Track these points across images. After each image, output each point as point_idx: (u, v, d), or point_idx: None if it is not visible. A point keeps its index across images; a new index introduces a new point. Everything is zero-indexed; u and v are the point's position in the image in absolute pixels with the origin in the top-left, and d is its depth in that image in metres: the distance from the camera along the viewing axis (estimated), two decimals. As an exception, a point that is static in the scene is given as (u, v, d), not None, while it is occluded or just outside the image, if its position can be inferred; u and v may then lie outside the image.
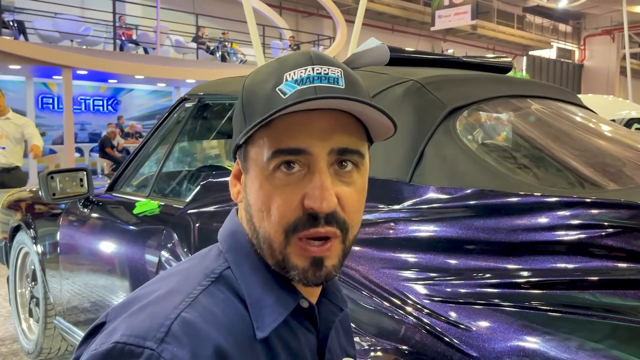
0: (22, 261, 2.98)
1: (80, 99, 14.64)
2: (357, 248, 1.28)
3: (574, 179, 1.32)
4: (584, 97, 9.65)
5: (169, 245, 1.77)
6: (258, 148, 0.63)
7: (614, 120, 6.32)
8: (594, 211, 1.10)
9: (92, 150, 13.74)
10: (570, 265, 1.07)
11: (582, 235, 1.09)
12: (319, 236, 0.61)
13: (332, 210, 0.61)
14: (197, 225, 1.71)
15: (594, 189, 1.28)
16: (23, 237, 2.82)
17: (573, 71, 30.79)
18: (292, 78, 0.61)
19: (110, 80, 14.37)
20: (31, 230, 2.70)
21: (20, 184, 4.86)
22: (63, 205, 2.48)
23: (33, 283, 2.85)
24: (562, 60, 30.31)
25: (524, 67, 25.24)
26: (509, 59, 1.99)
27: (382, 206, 1.32)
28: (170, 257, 1.74)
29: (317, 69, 0.62)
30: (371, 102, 0.61)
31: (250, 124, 0.62)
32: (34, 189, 3.30)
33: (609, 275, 1.03)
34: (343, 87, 0.62)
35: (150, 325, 0.55)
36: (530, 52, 27.49)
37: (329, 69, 0.62)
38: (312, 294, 0.69)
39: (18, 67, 11.26)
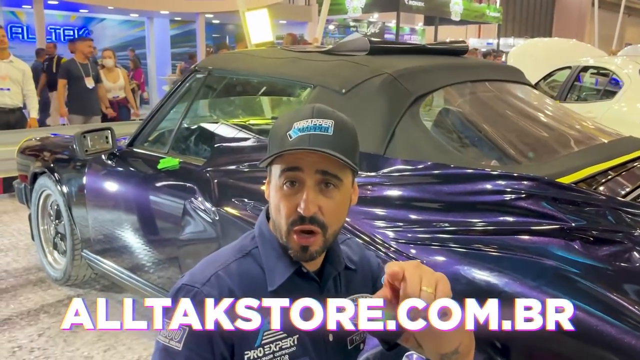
0: (44, 202, 3.39)
1: (50, 28, 14.32)
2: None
3: (502, 155, 1.79)
4: (548, 42, 9.97)
5: (192, 196, 2.21)
6: (275, 169, 0.96)
7: (570, 67, 6.79)
8: (511, 182, 1.59)
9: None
10: (497, 219, 1.55)
11: (505, 198, 1.57)
12: (305, 229, 0.94)
13: (312, 214, 0.92)
14: (215, 181, 2.16)
15: (514, 164, 1.76)
16: (45, 181, 3.21)
17: (546, 5, 30.88)
18: (297, 127, 0.93)
19: (81, 10, 14.06)
20: (55, 175, 3.09)
21: (22, 124, 5.17)
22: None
23: (57, 221, 3.28)
24: (536, -8, 30.26)
25: (498, 1, 25.23)
26: (465, 44, 2.41)
27: (362, 173, 1.79)
28: (193, 205, 2.19)
29: (315, 121, 0.93)
30: (335, 154, 0.90)
31: (271, 152, 0.95)
32: (39, 137, 3.67)
33: (515, 226, 1.52)
34: (331, 134, 0.92)
35: (200, 276, 0.97)
36: (505, -16, 27.36)
37: (323, 121, 0.94)
38: (314, 263, 1.02)
39: (-13, -4, 10.99)
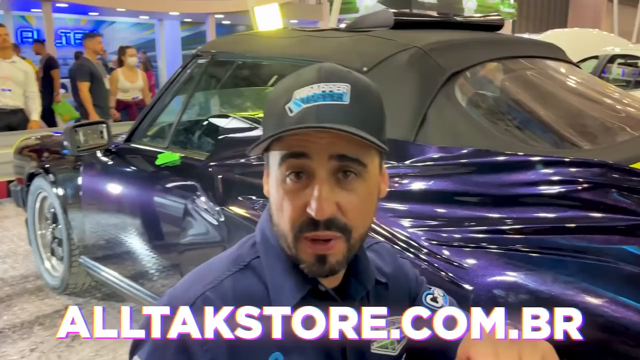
0: (41, 205, 3.16)
1: (61, 32, 14.23)
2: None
3: (557, 138, 1.52)
4: (569, 32, 9.66)
5: (194, 194, 1.96)
6: (273, 156, 0.72)
7: (597, 57, 6.47)
8: (571, 169, 1.31)
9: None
10: (548, 215, 1.29)
11: (560, 190, 1.30)
12: (319, 238, 0.69)
13: (328, 218, 0.68)
14: (219, 177, 1.90)
15: (572, 149, 1.48)
16: (41, 182, 2.98)
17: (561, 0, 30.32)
18: (300, 97, 0.68)
19: (90, 13, 13.96)
20: (50, 175, 2.86)
21: (25, 126, 4.98)
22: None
23: (54, 225, 3.05)
24: (551, -13, 29.71)
25: (512, -5, 24.78)
26: (500, 17, 2.13)
27: (390, 163, 1.52)
28: (195, 205, 1.94)
29: (323, 87, 0.68)
30: (354, 132, 0.65)
31: (265, 134, 0.70)
32: (39, 136, 3.44)
33: (579, 222, 1.25)
34: (347, 102, 0.68)
35: (182, 298, 0.74)
36: (519, -21, 26.85)
37: (334, 85, 0.68)
38: (334, 278, 0.77)
39: (-4, 0, 10.92)
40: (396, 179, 1.49)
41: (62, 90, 11.86)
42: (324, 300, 0.76)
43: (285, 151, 0.69)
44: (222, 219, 1.81)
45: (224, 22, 16.91)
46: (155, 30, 15.54)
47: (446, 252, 1.33)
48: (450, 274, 1.29)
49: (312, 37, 1.94)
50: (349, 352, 0.79)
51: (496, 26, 2.09)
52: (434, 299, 0.93)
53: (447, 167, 1.45)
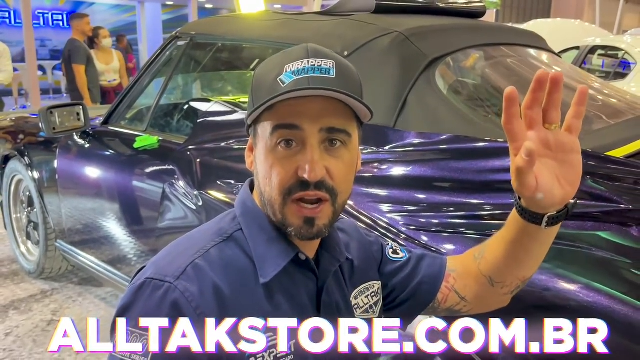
0: (16, 188, 3.10)
1: (38, 13, 13.91)
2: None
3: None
4: (552, 23, 9.70)
5: (172, 178, 1.94)
6: (263, 127, 0.76)
7: (578, 48, 6.52)
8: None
9: (54, 68, 13.27)
10: None
11: None
12: (309, 198, 0.74)
13: (319, 179, 0.74)
14: (198, 160, 1.88)
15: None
16: (16, 165, 2.93)
17: (544, -11, 30.46)
18: (291, 70, 0.74)
19: (69, -7, 13.67)
20: (25, 158, 2.80)
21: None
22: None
23: (30, 208, 2.99)
24: (534, -23, 29.81)
25: (496, -15, 24.82)
26: (482, 4, 2.12)
27: (369, 148, 1.51)
28: (173, 189, 1.92)
29: (312, 62, 0.74)
30: (348, 93, 0.73)
31: (257, 104, 0.75)
32: (14, 117, 3.37)
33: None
34: (334, 76, 0.73)
35: (171, 267, 0.74)
36: (503, -31, 26.87)
37: (322, 61, 0.74)
38: (311, 249, 0.83)
39: (-30, -22, 10.59)
40: (375, 164, 1.49)
41: (39, 73, 11.65)
42: (302, 269, 0.82)
43: (278, 122, 0.74)
44: (200, 203, 1.80)
45: (207, 5, 16.68)
46: (136, 13, 15.25)
47: (424, 238, 1.33)
48: (427, 260, 1.29)
49: (292, 20, 1.92)
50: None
51: (478, 13, 2.09)
52: (395, 251, 1.00)
53: (426, 152, 1.46)
